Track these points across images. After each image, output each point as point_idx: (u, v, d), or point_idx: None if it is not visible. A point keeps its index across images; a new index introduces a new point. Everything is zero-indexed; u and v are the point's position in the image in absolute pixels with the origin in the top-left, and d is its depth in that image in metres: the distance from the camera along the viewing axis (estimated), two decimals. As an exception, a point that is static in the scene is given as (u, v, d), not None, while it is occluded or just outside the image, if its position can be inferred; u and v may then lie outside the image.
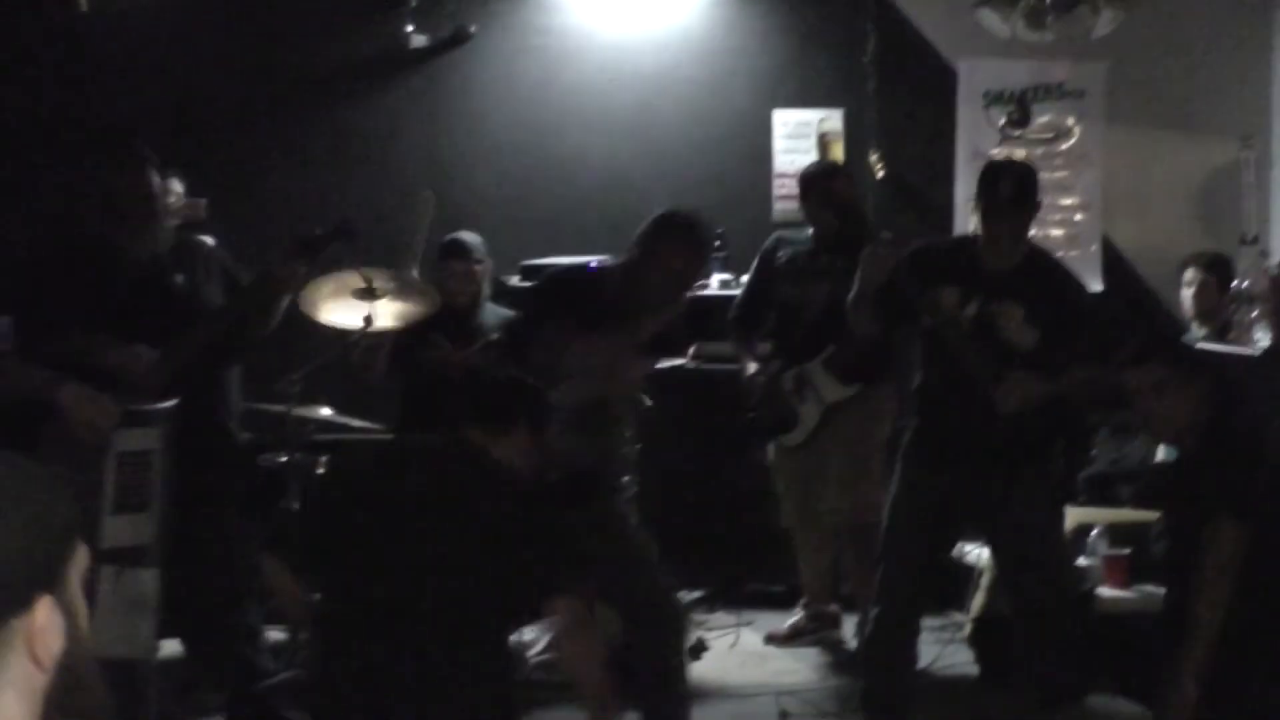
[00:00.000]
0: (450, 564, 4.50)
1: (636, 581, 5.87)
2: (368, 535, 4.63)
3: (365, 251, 7.46)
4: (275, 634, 7.15)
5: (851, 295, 6.30)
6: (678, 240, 5.89)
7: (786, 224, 8.51)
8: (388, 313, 7.17)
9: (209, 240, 6.86)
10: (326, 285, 7.07)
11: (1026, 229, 6.20)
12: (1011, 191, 6.10)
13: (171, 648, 6.26)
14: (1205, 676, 4.95)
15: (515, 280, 8.68)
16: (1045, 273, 6.27)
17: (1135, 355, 5.38)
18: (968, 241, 6.35)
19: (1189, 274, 7.82)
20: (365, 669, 4.55)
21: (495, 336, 7.79)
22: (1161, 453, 7.63)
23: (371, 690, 4.54)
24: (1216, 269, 7.76)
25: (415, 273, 7.44)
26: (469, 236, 7.90)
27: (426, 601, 4.50)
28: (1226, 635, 4.96)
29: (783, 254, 7.77)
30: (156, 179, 6.13)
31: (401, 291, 7.30)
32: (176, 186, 7.54)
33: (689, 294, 6.20)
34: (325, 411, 7.50)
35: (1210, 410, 5.22)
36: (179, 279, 6.14)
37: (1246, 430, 5.29)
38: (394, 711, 4.53)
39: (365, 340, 7.14)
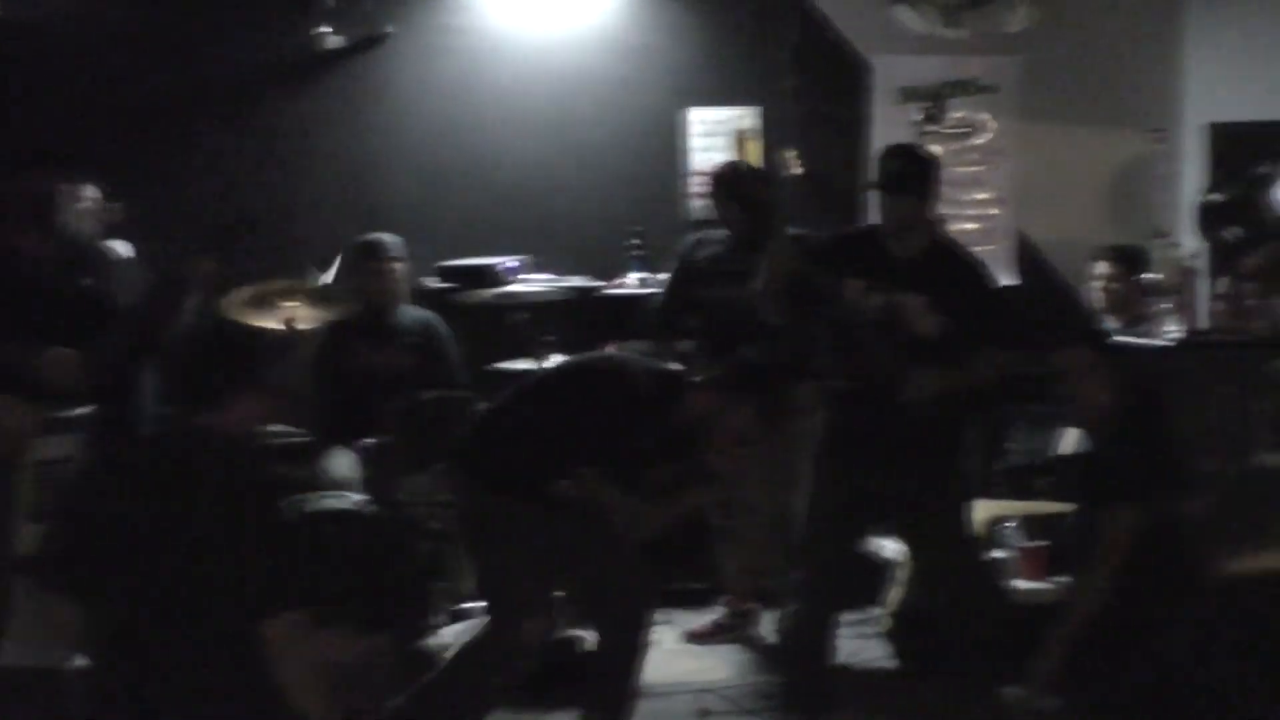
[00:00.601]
0: (176, 560, 4.34)
1: (607, 585, 5.88)
2: (111, 538, 4.47)
3: (281, 251, 7.48)
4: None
5: (759, 289, 6.35)
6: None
7: (703, 222, 8.54)
8: (305, 318, 7.19)
9: (121, 246, 6.85)
10: (248, 291, 7.09)
11: (921, 210, 6.25)
12: (899, 167, 6.18)
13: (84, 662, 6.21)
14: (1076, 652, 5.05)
15: (432, 281, 8.68)
16: (949, 260, 6.33)
17: (1067, 338, 5.43)
18: (873, 231, 6.39)
19: (1097, 267, 7.87)
20: (126, 673, 4.47)
21: (412, 339, 7.81)
22: (1069, 444, 7.69)
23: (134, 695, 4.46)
24: (1123, 261, 7.80)
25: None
26: (386, 237, 7.91)
27: (162, 603, 4.37)
28: (1108, 617, 5.05)
29: (702, 254, 7.79)
30: (59, 185, 6.13)
31: (318, 299, 7.33)
32: (91, 191, 7.50)
33: None
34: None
35: (1130, 400, 5.28)
36: (87, 282, 6.13)
37: (1155, 420, 5.34)
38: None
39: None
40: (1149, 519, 5.12)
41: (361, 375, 7.75)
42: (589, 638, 6.23)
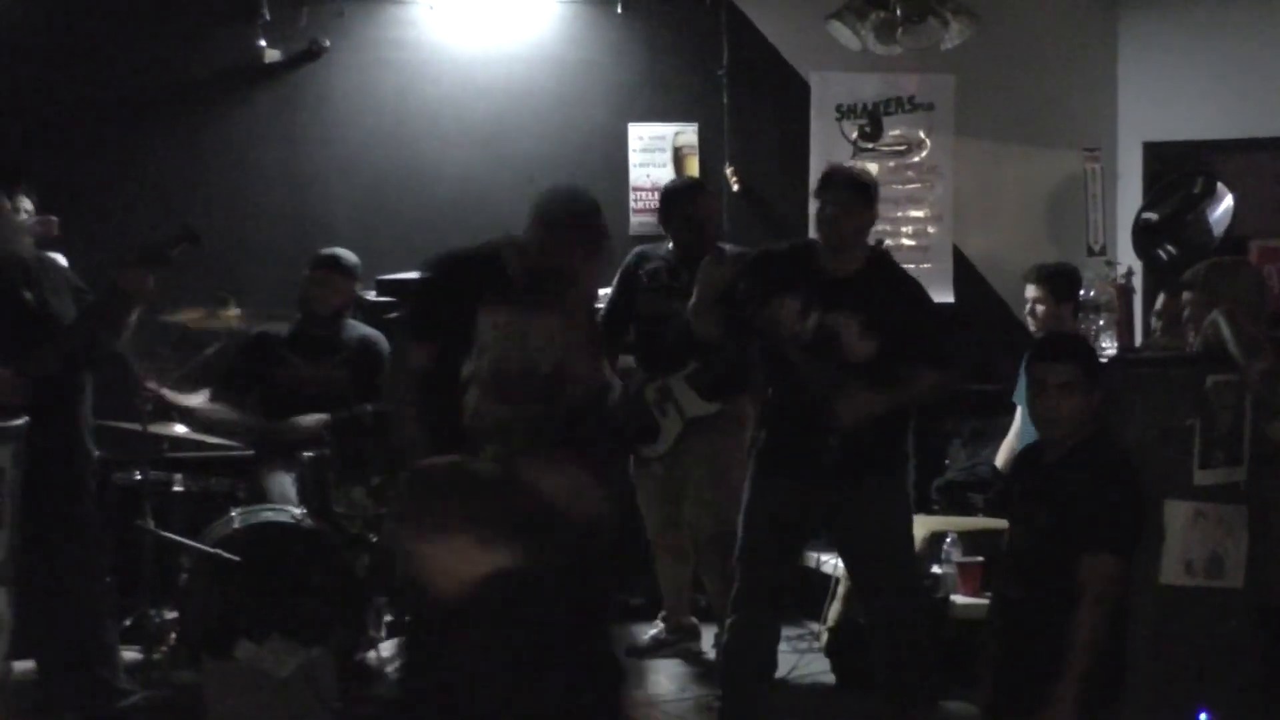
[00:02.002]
0: None
1: None
2: None
3: (216, 263, 7.44)
4: (131, 654, 7.09)
5: (691, 304, 6.36)
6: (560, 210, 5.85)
7: (643, 238, 8.55)
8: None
9: (58, 258, 6.81)
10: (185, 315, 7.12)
11: (859, 223, 6.26)
12: (844, 179, 6.21)
13: (26, 668, 6.20)
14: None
15: (371, 295, 8.65)
16: (885, 277, 6.34)
17: (1052, 351, 5.41)
18: (808, 246, 6.40)
19: (1028, 289, 7.89)
20: None
21: (344, 355, 7.78)
22: (1001, 460, 7.75)
23: None
24: (1050, 281, 7.80)
25: None
26: (348, 255, 7.85)
27: None
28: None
29: (645, 269, 7.79)
30: (6, 201, 6.12)
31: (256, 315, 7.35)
32: (26, 204, 7.46)
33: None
34: (179, 429, 7.45)
35: (1097, 424, 5.27)
36: (28, 295, 6.10)
37: (1123, 456, 5.33)
38: None
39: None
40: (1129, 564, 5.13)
41: (292, 387, 7.71)
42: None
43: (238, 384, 7.68)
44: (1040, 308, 7.74)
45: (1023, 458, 5.73)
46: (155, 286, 6.25)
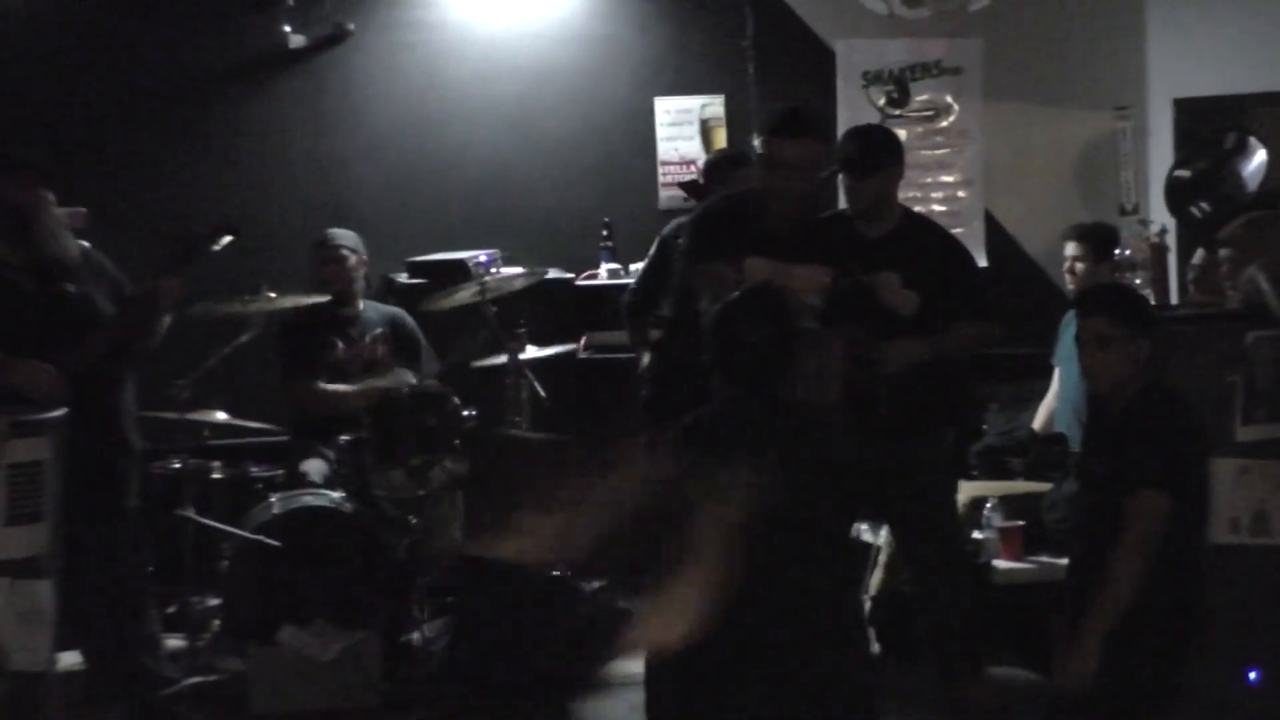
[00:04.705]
0: None
1: None
2: None
3: (245, 250, 7.44)
4: (175, 642, 7.11)
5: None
6: (779, 131, 5.94)
7: (672, 212, 8.53)
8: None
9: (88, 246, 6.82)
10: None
11: (881, 187, 6.23)
12: (855, 149, 6.18)
13: (71, 659, 6.20)
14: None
15: (403, 277, 8.65)
16: (921, 236, 6.32)
17: (1083, 306, 5.33)
18: (843, 214, 6.39)
19: (1067, 247, 7.85)
20: None
21: (380, 331, 7.79)
22: (1039, 423, 7.72)
23: None
24: (1090, 239, 7.77)
25: None
26: (337, 231, 7.87)
27: None
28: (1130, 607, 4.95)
29: (683, 241, 7.77)
30: (50, 194, 6.14)
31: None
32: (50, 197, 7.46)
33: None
34: (220, 415, 7.46)
35: (1147, 375, 5.18)
36: (70, 288, 6.11)
37: (1179, 401, 5.25)
38: None
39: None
40: (1176, 505, 5.01)
41: (339, 368, 7.72)
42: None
43: (307, 366, 7.68)
44: (1079, 266, 7.71)
45: (1089, 422, 5.64)
46: (185, 287, 6.27)
